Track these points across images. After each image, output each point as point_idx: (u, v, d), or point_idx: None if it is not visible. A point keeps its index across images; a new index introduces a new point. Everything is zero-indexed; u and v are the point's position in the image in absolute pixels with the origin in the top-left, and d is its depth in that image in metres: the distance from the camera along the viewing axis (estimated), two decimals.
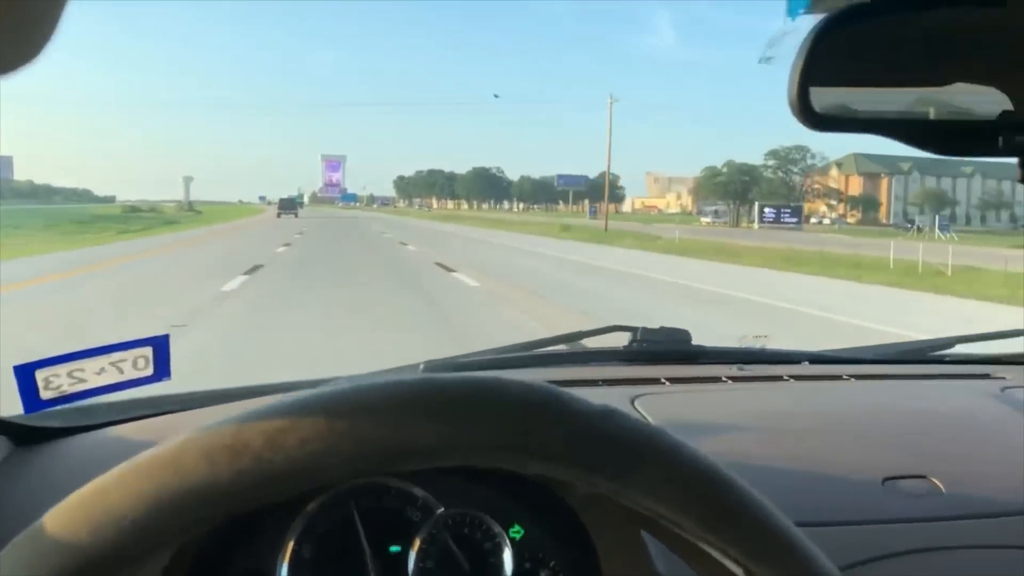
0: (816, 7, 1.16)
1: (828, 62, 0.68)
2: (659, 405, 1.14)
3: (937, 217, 62.85)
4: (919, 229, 56.76)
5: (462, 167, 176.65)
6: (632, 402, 1.14)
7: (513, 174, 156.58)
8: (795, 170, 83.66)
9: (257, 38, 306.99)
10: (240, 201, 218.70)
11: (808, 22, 0.69)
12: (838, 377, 1.38)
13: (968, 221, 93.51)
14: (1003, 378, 1.39)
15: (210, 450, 0.47)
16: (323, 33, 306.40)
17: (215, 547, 0.75)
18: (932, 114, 0.75)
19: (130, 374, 0.93)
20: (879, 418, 1.20)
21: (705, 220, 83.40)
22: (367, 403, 0.49)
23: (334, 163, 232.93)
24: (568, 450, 0.51)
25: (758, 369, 1.38)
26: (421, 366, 1.26)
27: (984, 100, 0.73)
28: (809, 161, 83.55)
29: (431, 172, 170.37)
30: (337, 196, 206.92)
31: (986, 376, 1.42)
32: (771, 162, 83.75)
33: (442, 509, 0.81)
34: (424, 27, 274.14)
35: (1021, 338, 1.62)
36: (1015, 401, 1.25)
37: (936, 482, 0.98)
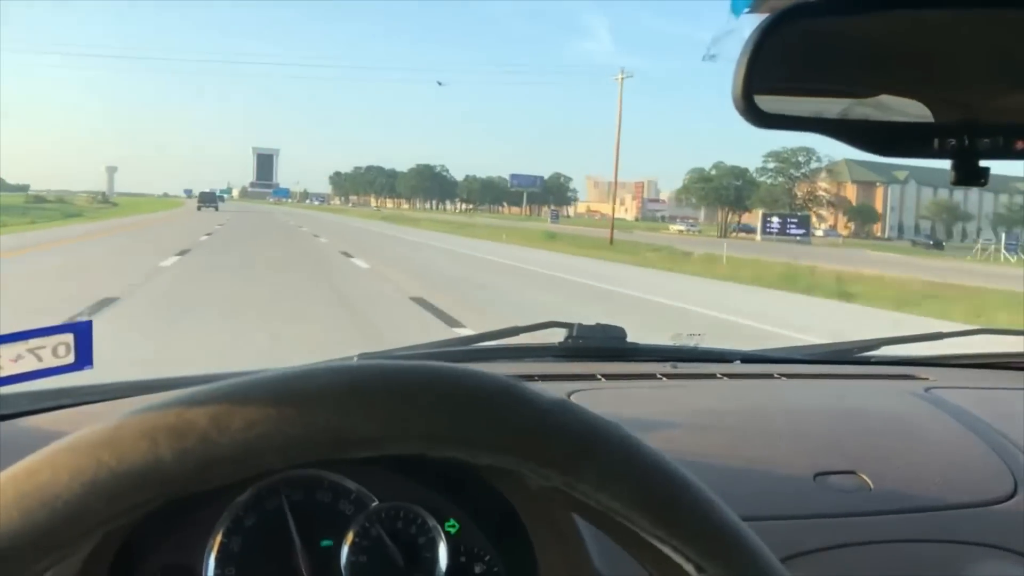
0: (760, 5, 0.78)
1: (772, 60, 0.70)
2: (595, 401, 1.16)
3: (1004, 235, 56.01)
4: (983, 248, 49.94)
5: (404, 165, 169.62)
6: (568, 397, 1.06)
7: (458, 173, 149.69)
8: (797, 174, 71.53)
9: (191, 26, 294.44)
10: (165, 194, 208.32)
11: (752, 20, 0.72)
12: (769, 376, 1.41)
13: (972, 237, 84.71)
14: (926, 379, 1.45)
15: (152, 430, 0.45)
16: (259, 22, 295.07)
17: (139, 539, 0.75)
18: (871, 115, 0.78)
19: (49, 362, 0.91)
20: (809, 416, 1.24)
21: (676, 228, 76.24)
22: (317, 387, 0.48)
23: (266, 157, 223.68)
24: (522, 442, 0.50)
25: (692, 367, 1.42)
26: (355, 358, 1.21)
27: (920, 103, 0.77)
28: (814, 165, 72.03)
29: (370, 169, 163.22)
30: (268, 191, 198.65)
31: (910, 377, 1.47)
32: (771, 164, 71.53)
33: (376, 503, 0.82)
34: (365, 22, 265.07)
35: (942, 341, 1.70)
36: (938, 401, 1.29)
37: (865, 478, 1.02)
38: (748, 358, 1.52)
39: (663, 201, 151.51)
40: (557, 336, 1.46)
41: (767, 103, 0.72)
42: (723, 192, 71.35)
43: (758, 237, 59.51)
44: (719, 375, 1.38)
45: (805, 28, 0.72)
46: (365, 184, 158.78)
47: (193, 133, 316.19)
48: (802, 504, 0.98)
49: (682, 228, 75.13)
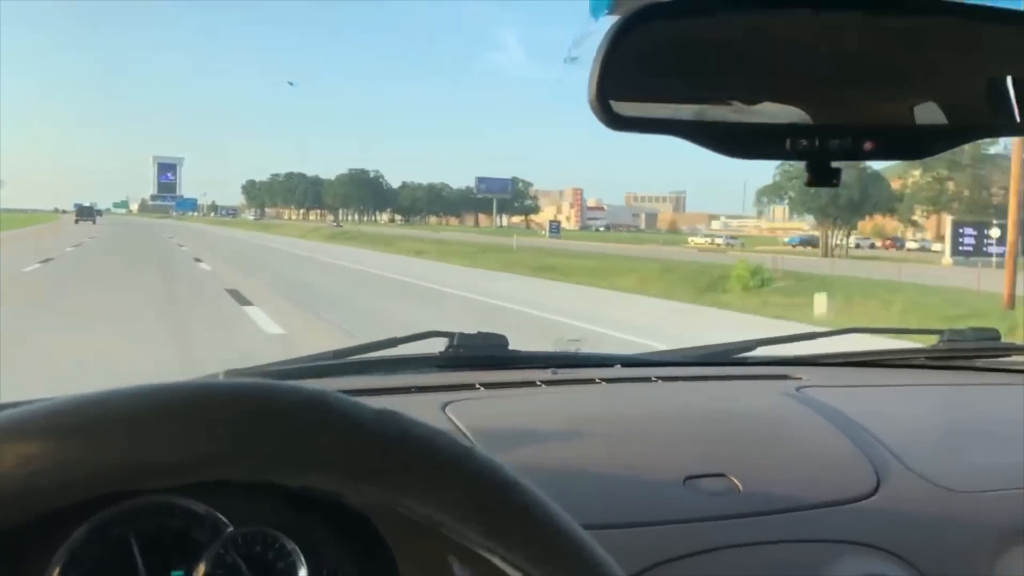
0: (618, 7, 0.77)
1: (627, 63, 0.71)
2: (471, 411, 1.17)
3: None
4: None
5: (331, 171, 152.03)
6: (443, 408, 1.16)
7: (393, 180, 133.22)
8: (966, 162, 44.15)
9: (84, 34, 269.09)
10: (56, 209, 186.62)
11: (610, 22, 0.73)
12: (647, 379, 1.45)
13: None
14: (799, 378, 1.49)
15: None
16: (163, 25, 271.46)
17: None
18: (726, 117, 0.80)
19: None
20: (682, 419, 1.27)
21: (698, 241, 62.49)
22: (105, 414, 0.45)
23: (168, 166, 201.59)
24: (336, 459, 0.49)
25: (572, 372, 1.45)
26: (221, 375, 1.21)
27: (774, 105, 0.79)
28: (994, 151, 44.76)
29: (290, 176, 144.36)
30: (171, 204, 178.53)
31: (784, 377, 1.51)
32: None
33: (232, 528, 0.79)
34: (272, 25, 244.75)
35: (815, 340, 1.77)
36: (808, 400, 1.34)
37: (734, 480, 1.04)
38: (628, 362, 1.56)
39: (602, 209, 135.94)
40: (438, 346, 1.47)
41: (623, 105, 0.73)
42: (834, 195, 45.82)
43: (947, 258, 38.85)
44: (598, 380, 1.41)
45: (659, 30, 0.74)
46: (284, 193, 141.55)
47: (89, 145, 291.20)
48: (672, 509, 1.00)
49: (709, 240, 60.64)
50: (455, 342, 1.45)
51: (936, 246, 48.15)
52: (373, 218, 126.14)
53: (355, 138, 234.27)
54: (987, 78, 0.84)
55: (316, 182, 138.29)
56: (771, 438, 1.22)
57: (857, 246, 44.57)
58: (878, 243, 49.73)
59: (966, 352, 1.69)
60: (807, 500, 1.04)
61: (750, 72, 0.80)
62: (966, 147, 41.47)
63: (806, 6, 0.78)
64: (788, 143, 0.76)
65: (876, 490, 1.08)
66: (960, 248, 39.39)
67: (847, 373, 1.64)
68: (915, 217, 41.15)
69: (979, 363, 1.69)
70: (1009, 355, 1.72)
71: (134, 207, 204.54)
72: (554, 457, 1.05)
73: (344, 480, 0.49)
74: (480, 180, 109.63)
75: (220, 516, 0.78)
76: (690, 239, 63.81)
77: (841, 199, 44.87)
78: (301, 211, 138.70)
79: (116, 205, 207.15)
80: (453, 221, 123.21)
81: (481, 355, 1.47)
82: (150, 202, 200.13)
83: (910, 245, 51.72)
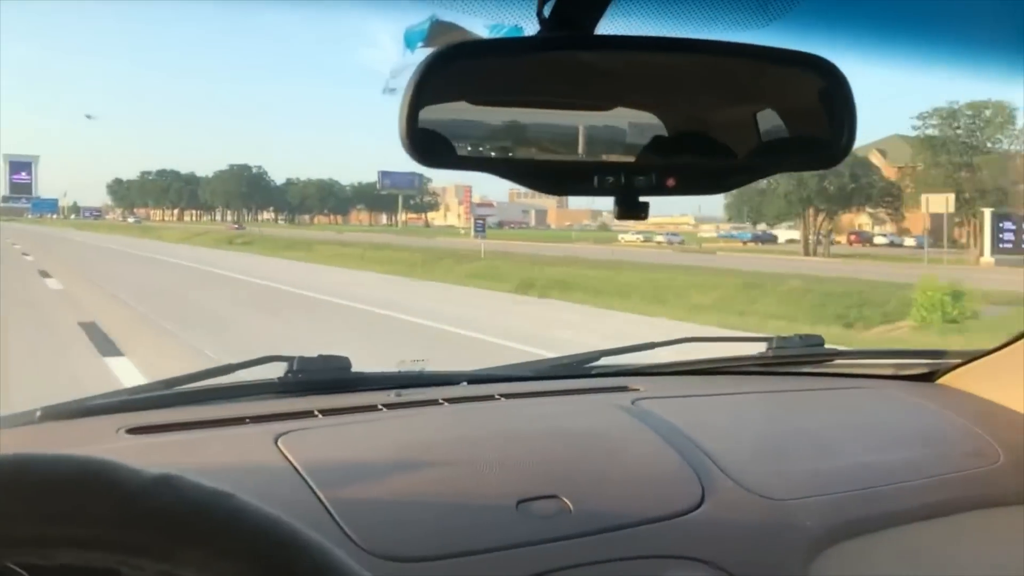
0: (432, 41, 1.04)
1: (437, 97, 0.71)
2: (305, 443, 1.16)
3: None
4: None
5: (207, 168, 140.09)
6: (276, 441, 1.15)
7: (277, 176, 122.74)
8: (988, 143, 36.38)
9: None
10: None
11: (426, 55, 0.74)
12: (491, 397, 1.47)
13: None
14: (637, 389, 1.54)
15: None
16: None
17: None
18: (536, 155, 0.82)
19: None
20: (518, 440, 1.28)
21: (628, 239, 56.76)
22: None
23: (22, 165, 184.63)
24: (103, 534, 0.46)
25: (416, 393, 1.45)
26: (38, 412, 1.19)
27: (580, 142, 0.82)
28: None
29: (162, 173, 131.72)
30: (27, 205, 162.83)
31: (623, 388, 1.56)
32: (936, 130, 37.72)
33: None
34: (139, 23, 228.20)
35: (655, 350, 1.81)
36: (642, 413, 1.37)
37: (566, 501, 1.07)
38: (474, 379, 1.58)
39: (491, 206, 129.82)
40: (277, 371, 1.43)
41: (433, 140, 0.74)
42: (839, 183, 38.67)
43: (986, 257, 31.52)
44: (441, 400, 1.42)
45: (469, 67, 0.76)
46: (157, 193, 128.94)
47: None
48: (505, 534, 1.01)
49: (641, 238, 56.28)
50: (295, 366, 1.41)
51: (908, 241, 43.46)
52: (256, 218, 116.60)
53: (233, 134, 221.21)
54: (786, 115, 0.90)
55: (191, 180, 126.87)
56: (603, 455, 1.25)
57: (819, 242, 39.34)
58: (839, 239, 45.06)
59: (793, 358, 1.77)
60: (636, 517, 1.08)
61: (559, 111, 0.83)
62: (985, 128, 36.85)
63: (614, 48, 0.82)
64: (596, 180, 0.78)
65: (701, 503, 1.12)
66: (1000, 245, 31.99)
67: (681, 382, 1.71)
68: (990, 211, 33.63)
69: (805, 369, 1.79)
70: (831, 360, 1.82)
71: None
72: (389, 487, 1.06)
73: (113, 555, 0.46)
74: (384, 175, 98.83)
75: None
76: (621, 237, 58.25)
77: (831, 188, 38.36)
78: (175, 211, 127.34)
79: None
80: (342, 220, 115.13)
81: (322, 379, 1.43)
82: (2, 203, 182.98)
83: (878, 240, 46.96)
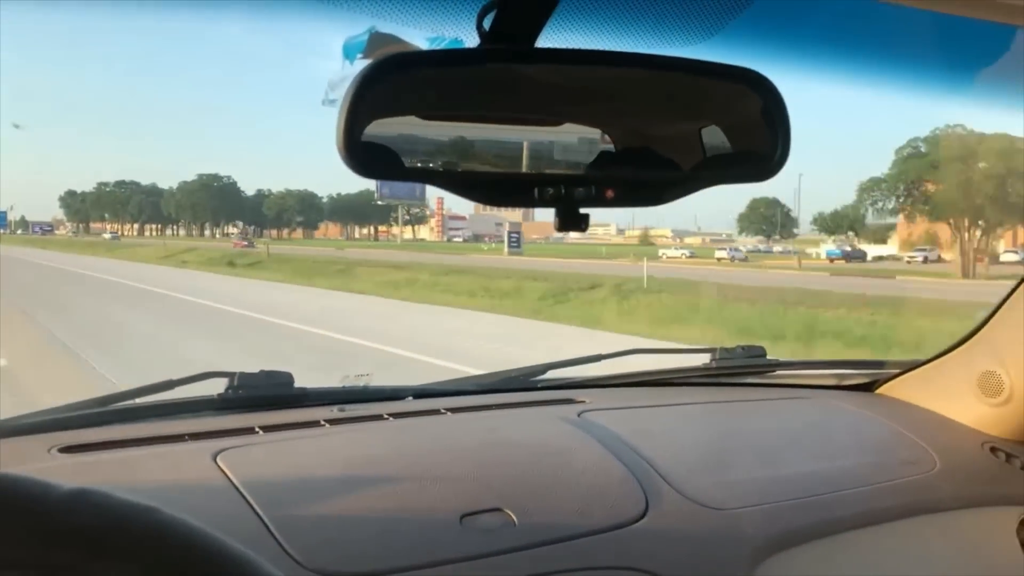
0: (371, 52, 1.06)
1: (376, 108, 0.72)
2: (245, 459, 1.15)
3: None
4: None
5: (170, 180, 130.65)
6: (215, 458, 1.13)
7: (247, 187, 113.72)
8: None
9: None
10: None
11: (363, 67, 0.74)
12: (436, 411, 1.45)
13: None
14: (583, 401, 1.55)
15: None
16: None
17: None
18: (475, 167, 0.83)
19: None
20: (462, 454, 1.27)
21: (672, 255, 50.09)
22: None
23: None
24: (17, 551, 0.44)
25: (360, 408, 1.43)
26: None
27: (521, 154, 0.82)
28: None
29: (121, 184, 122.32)
30: None
31: (569, 401, 1.56)
32: None
33: None
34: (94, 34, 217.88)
35: (600, 363, 1.82)
36: (587, 425, 1.38)
37: (510, 514, 1.07)
38: (420, 394, 1.57)
39: (463, 219, 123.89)
40: (217, 387, 1.40)
41: (372, 151, 0.73)
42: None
43: None
44: (386, 415, 1.40)
45: (407, 79, 0.75)
46: (115, 206, 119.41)
47: None
48: (448, 548, 1.01)
49: (686, 254, 49.89)
50: (235, 382, 1.40)
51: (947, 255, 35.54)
52: (224, 232, 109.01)
53: (196, 145, 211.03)
54: (722, 128, 0.92)
55: (153, 192, 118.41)
56: (548, 468, 1.23)
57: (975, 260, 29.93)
58: (947, 255, 37.82)
59: (735, 369, 1.81)
60: (580, 528, 1.08)
61: (496, 124, 0.84)
62: None
63: (549, 61, 0.82)
64: (536, 192, 0.79)
65: (644, 514, 1.13)
66: None
67: (627, 394, 1.71)
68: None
69: (748, 379, 1.83)
70: (773, 370, 1.85)
71: None
72: (330, 503, 1.05)
73: (26, 574, 0.44)
74: (383, 184, 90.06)
75: None
76: (662, 253, 51.59)
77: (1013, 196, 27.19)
78: (135, 226, 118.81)
79: None
80: (309, 235, 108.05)
81: (263, 395, 1.41)
82: None
83: (1006, 257, 39.37)
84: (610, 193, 0.83)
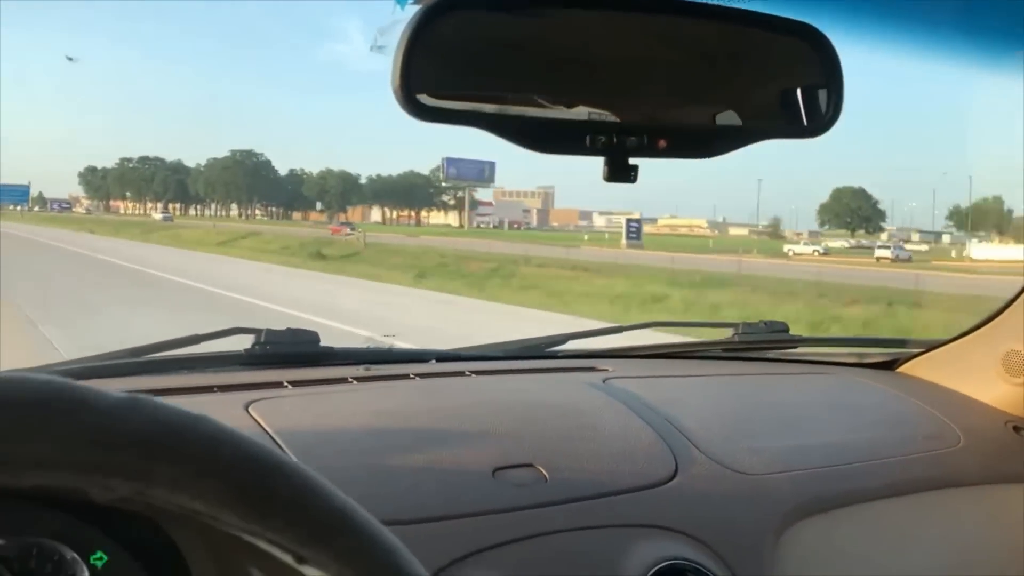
0: None
1: (430, 53, 0.73)
2: (277, 410, 1.15)
3: None
4: None
5: (197, 156, 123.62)
6: (247, 408, 1.13)
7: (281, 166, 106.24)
8: None
9: None
10: None
11: (416, 12, 0.74)
12: (461, 373, 1.46)
13: None
14: (606, 370, 1.53)
15: None
16: None
17: None
18: (527, 112, 0.82)
19: None
20: (492, 412, 1.27)
21: (800, 251, 43.84)
22: None
23: None
24: (72, 452, 0.45)
25: (385, 368, 1.43)
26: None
27: (573, 101, 0.82)
28: None
29: (145, 161, 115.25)
30: None
31: (591, 369, 1.56)
32: None
33: (2, 541, 0.72)
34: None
35: (622, 334, 1.84)
36: (613, 390, 1.39)
37: (541, 470, 1.08)
38: (443, 357, 1.56)
39: (490, 204, 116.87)
40: (244, 343, 1.41)
41: (426, 95, 0.74)
42: None
43: None
44: (412, 375, 1.40)
45: (461, 22, 0.75)
46: (138, 183, 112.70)
47: None
48: (481, 500, 1.02)
49: (816, 251, 41.89)
50: (262, 339, 1.39)
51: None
52: (253, 214, 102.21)
53: (223, 122, 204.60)
54: (775, 83, 0.91)
55: (179, 169, 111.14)
56: (577, 428, 1.24)
57: None
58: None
59: (758, 344, 1.79)
60: (611, 487, 1.09)
61: (551, 68, 0.83)
62: None
63: (608, 7, 0.82)
64: (588, 139, 0.79)
65: (674, 475, 1.14)
66: None
67: (650, 365, 1.71)
68: None
69: (770, 354, 1.82)
70: (796, 347, 1.83)
71: None
72: (364, 454, 1.05)
73: (83, 475, 0.45)
74: (450, 163, 73.69)
75: None
76: (788, 249, 45.09)
77: None
78: (159, 205, 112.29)
79: None
80: (315, 216, 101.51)
81: (290, 352, 1.41)
82: None
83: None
84: (662, 143, 0.82)
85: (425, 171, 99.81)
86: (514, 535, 0.98)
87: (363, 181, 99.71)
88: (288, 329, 1.42)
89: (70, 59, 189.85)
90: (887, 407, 1.58)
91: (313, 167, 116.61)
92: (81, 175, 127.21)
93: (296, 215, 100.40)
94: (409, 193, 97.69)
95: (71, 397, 0.45)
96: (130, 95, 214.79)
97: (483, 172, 75.44)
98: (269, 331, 1.40)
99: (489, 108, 0.80)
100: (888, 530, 1.27)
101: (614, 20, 0.82)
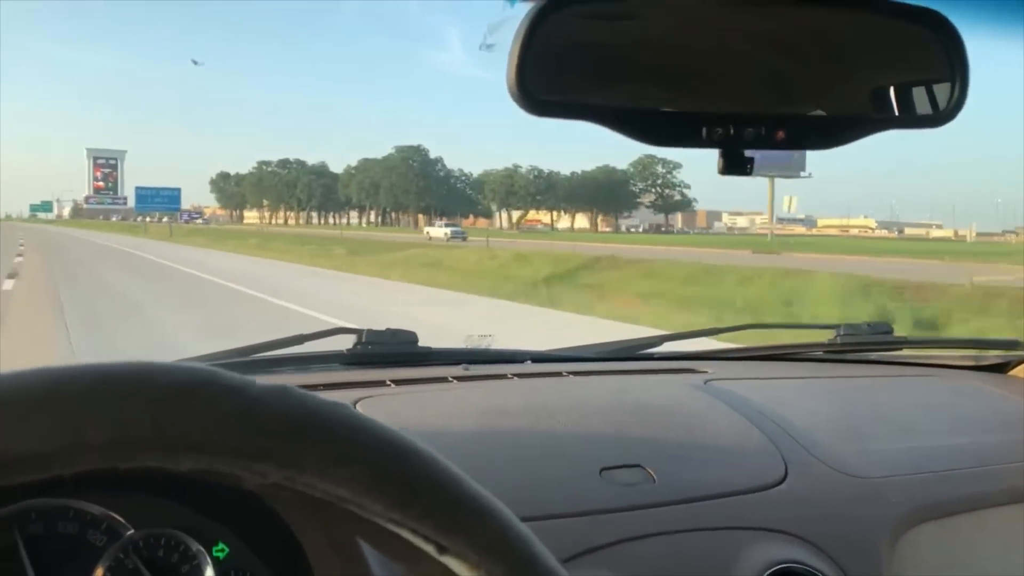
0: None
1: (544, 48, 0.73)
2: (384, 408, 1.16)
3: None
4: None
5: (344, 158, 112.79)
6: (355, 405, 1.14)
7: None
8: None
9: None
10: None
11: (526, 8, 0.74)
12: (558, 374, 1.43)
13: None
14: (705, 371, 1.49)
15: None
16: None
17: None
18: (642, 104, 0.81)
19: None
20: (595, 411, 1.26)
21: None
22: None
23: (108, 160, 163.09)
24: (226, 438, 0.46)
25: (483, 368, 1.42)
26: None
27: (689, 94, 0.82)
28: None
29: (285, 164, 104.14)
30: (116, 205, 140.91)
31: (691, 371, 1.52)
32: None
33: (132, 531, 0.76)
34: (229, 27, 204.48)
35: (719, 336, 1.87)
36: (716, 391, 1.35)
37: (649, 471, 1.06)
38: (538, 358, 1.54)
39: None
40: (346, 343, 1.43)
41: (540, 90, 0.73)
42: None
43: None
44: (510, 375, 1.39)
45: (576, 17, 0.75)
46: (279, 189, 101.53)
47: (19, 145, 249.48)
48: (589, 500, 1.00)
49: None
50: (364, 339, 1.41)
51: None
52: (415, 220, 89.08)
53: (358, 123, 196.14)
54: (895, 71, 0.88)
55: (323, 172, 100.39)
56: (683, 429, 1.22)
57: None
58: None
59: (861, 345, 1.72)
60: (720, 488, 1.07)
61: (666, 61, 0.82)
62: None
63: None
64: (704, 131, 0.77)
65: (784, 478, 1.11)
66: None
67: (750, 367, 1.67)
68: None
69: (873, 356, 1.75)
70: (900, 348, 1.77)
71: (65, 211, 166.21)
72: (470, 452, 1.04)
73: (236, 460, 0.46)
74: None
75: (117, 518, 0.74)
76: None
77: None
78: (300, 214, 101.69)
79: (35, 208, 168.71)
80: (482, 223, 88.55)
81: (391, 352, 1.43)
82: (84, 205, 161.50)
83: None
84: (780, 134, 0.79)
85: (623, 165, 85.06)
86: (625, 535, 0.96)
87: (565, 175, 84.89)
88: (388, 329, 1.43)
89: (195, 63, 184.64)
90: (1001, 411, 1.49)
91: (473, 167, 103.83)
92: (213, 182, 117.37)
93: (466, 221, 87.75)
94: (612, 192, 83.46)
95: (222, 384, 0.46)
96: (258, 97, 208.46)
97: (791, 157, 57.95)
98: (370, 331, 1.41)
99: (603, 102, 0.79)
100: (1006, 538, 1.21)
101: (731, 10, 0.80)
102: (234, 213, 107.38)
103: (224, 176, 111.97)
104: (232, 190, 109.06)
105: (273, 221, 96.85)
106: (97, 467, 0.43)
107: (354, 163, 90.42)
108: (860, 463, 1.17)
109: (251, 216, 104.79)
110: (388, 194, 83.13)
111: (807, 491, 1.10)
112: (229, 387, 0.46)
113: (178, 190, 75.77)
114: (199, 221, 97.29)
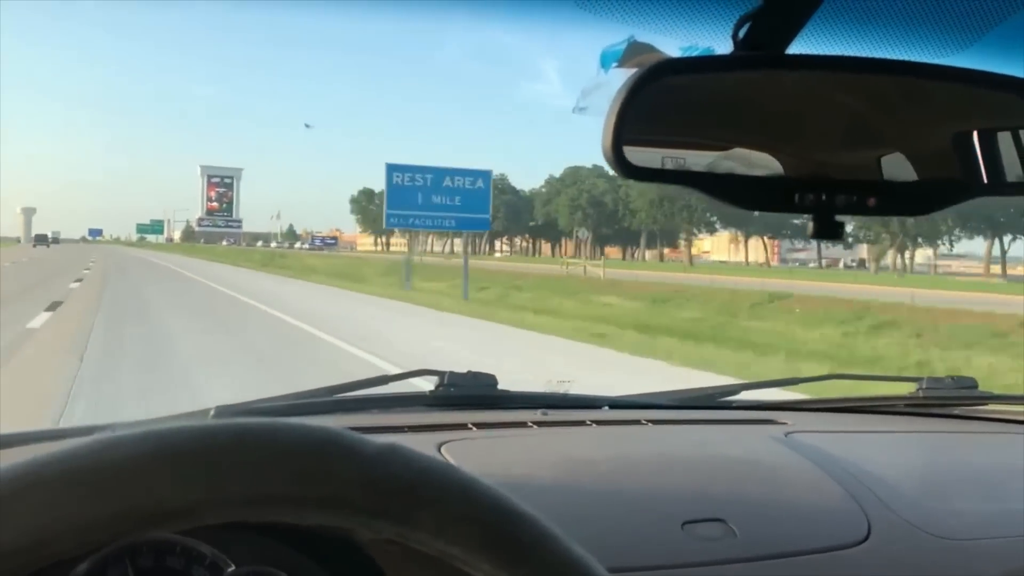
0: (627, 61, 0.99)
1: (639, 114, 0.73)
2: (467, 451, 1.15)
3: None
4: None
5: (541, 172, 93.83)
6: (439, 448, 1.14)
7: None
8: None
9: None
10: (83, 238, 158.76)
11: (619, 75, 0.76)
12: (636, 422, 1.40)
13: None
14: (785, 423, 1.45)
15: None
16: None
17: None
18: (735, 169, 0.83)
19: None
20: (676, 463, 1.24)
21: None
22: (115, 460, 0.44)
23: (223, 179, 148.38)
24: (348, 496, 0.48)
25: (561, 414, 1.41)
26: (212, 411, 1.20)
27: (782, 159, 0.82)
28: None
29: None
30: (230, 229, 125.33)
31: (771, 422, 1.47)
32: None
33: (232, 568, 0.78)
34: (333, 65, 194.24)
35: (798, 386, 1.84)
36: (799, 445, 1.31)
37: (731, 525, 1.04)
38: (615, 404, 1.52)
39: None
40: (427, 384, 1.43)
41: (635, 155, 0.75)
42: None
43: None
44: (588, 422, 1.37)
45: (670, 84, 0.76)
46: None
47: (131, 163, 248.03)
48: (671, 554, 0.99)
49: None
50: (445, 380, 1.41)
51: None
52: (595, 254, 69.79)
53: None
54: (990, 139, 0.87)
55: (506, 188, 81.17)
56: (765, 483, 1.20)
57: None
58: None
59: (945, 400, 1.66)
60: (803, 546, 1.04)
61: (758, 127, 0.84)
62: None
63: (812, 68, 0.81)
64: (797, 197, 0.77)
65: (868, 536, 1.07)
66: None
67: (831, 419, 1.62)
68: None
69: (957, 411, 1.67)
70: (986, 404, 1.68)
71: (176, 234, 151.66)
72: (550, 500, 1.03)
73: (356, 517, 0.48)
74: None
75: (222, 555, 0.76)
76: None
77: None
78: (478, 241, 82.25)
79: (143, 229, 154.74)
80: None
81: (472, 394, 1.43)
82: (196, 227, 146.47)
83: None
84: (872, 201, 0.79)
85: None
86: None
87: None
88: (469, 372, 1.44)
89: (308, 126, 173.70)
90: None
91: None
92: (353, 200, 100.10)
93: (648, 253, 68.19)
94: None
95: (343, 444, 0.48)
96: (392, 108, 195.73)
97: None
98: (452, 374, 1.42)
99: (696, 167, 0.80)
100: None
101: (820, 79, 0.80)
102: (379, 239, 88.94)
103: (367, 194, 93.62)
104: (376, 212, 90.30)
105: (426, 249, 77.86)
106: (231, 520, 0.45)
107: (557, 174, 70.78)
108: (947, 523, 1.12)
109: (397, 243, 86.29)
110: (648, 215, 63.16)
111: (891, 551, 1.06)
112: (350, 447, 0.48)
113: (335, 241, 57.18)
114: (325, 249, 78.99)
